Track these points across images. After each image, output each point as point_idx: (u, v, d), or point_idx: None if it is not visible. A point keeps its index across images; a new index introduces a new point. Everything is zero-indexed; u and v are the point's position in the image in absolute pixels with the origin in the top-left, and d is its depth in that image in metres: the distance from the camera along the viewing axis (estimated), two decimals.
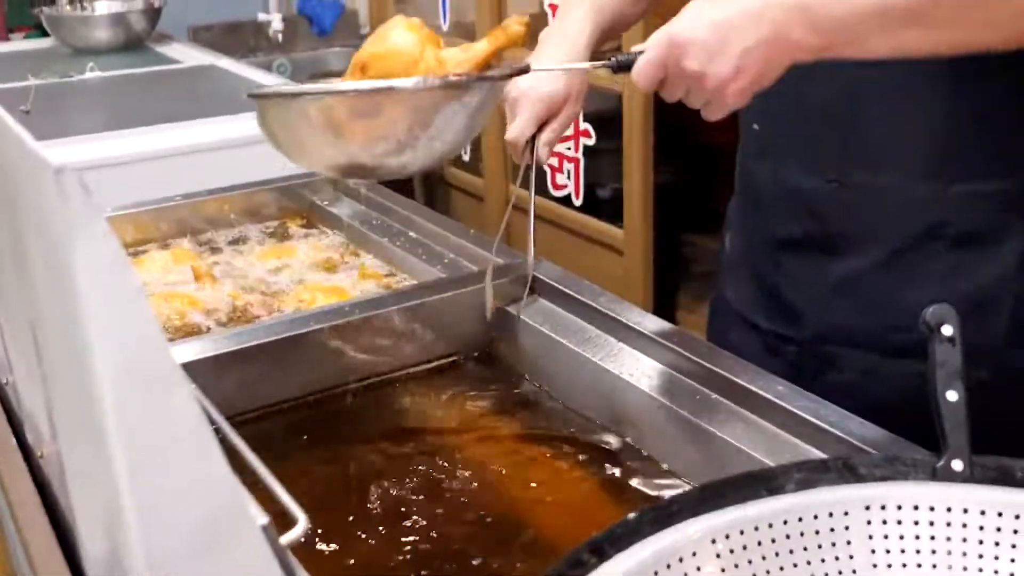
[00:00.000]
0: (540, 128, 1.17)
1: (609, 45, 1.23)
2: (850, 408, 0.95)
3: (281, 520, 0.63)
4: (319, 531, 0.95)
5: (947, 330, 0.73)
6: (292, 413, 1.19)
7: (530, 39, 1.01)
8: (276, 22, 3.69)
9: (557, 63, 1.15)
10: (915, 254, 1.08)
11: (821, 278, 1.14)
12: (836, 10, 0.83)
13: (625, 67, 0.91)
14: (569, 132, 2.98)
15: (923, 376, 1.02)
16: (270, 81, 2.59)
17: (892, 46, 0.85)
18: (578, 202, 3.01)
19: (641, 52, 0.89)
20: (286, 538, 0.59)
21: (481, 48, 0.87)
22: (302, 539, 0.62)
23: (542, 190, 3.13)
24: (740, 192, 1.26)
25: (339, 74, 3.42)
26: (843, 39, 0.84)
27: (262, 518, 0.56)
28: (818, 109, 1.08)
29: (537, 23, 3.42)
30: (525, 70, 0.95)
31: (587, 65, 1.03)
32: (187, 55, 3.02)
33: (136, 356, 0.50)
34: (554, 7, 2.89)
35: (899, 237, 1.08)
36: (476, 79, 0.89)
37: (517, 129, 1.16)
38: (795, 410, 0.96)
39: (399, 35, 0.87)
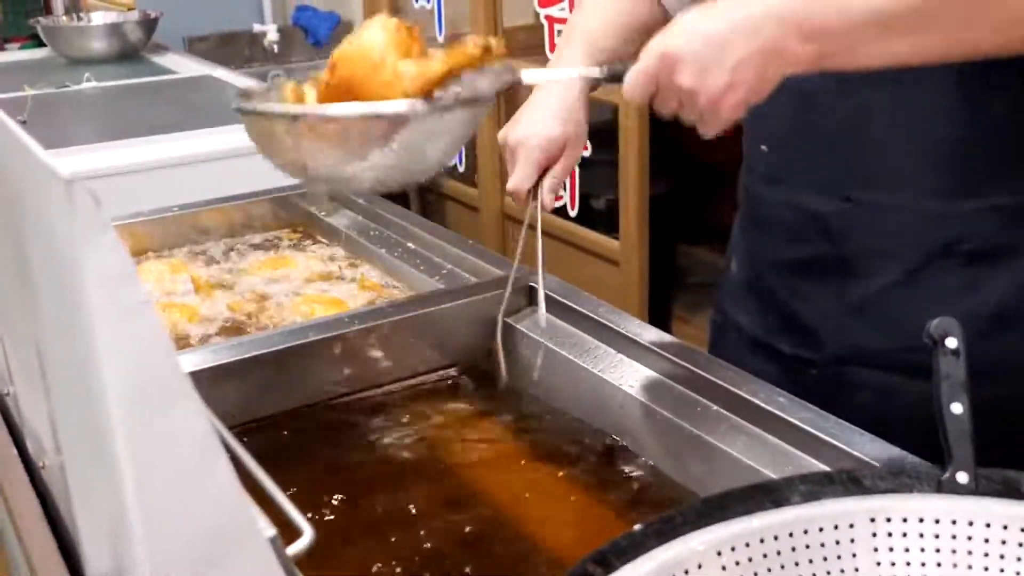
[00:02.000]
0: (542, 175, 1.16)
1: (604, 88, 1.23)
2: (870, 429, 0.93)
3: (284, 530, 0.62)
4: (318, 542, 0.95)
5: (951, 343, 0.73)
6: (291, 425, 1.19)
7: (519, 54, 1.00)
8: (271, 33, 3.69)
9: (552, 111, 1.15)
10: (931, 271, 1.07)
11: (837, 299, 1.13)
12: (830, 20, 0.82)
13: (616, 78, 0.89)
14: None
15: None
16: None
17: (887, 54, 0.85)
18: (573, 213, 3.02)
19: (634, 63, 0.87)
20: (292, 550, 0.59)
21: (435, 66, 0.85)
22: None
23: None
24: (746, 215, 1.25)
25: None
26: (837, 48, 0.83)
27: (269, 530, 0.56)
28: (828, 130, 1.08)
29: (532, 35, 3.41)
30: (516, 82, 0.94)
31: (578, 71, 1.01)
32: (183, 65, 3.02)
33: (144, 367, 0.50)
34: (549, 18, 2.90)
35: (914, 255, 1.07)
36: (458, 103, 0.87)
37: (518, 179, 1.15)
38: (797, 422, 0.95)
39: (369, 35, 0.85)
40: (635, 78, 0.86)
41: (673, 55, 0.83)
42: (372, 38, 0.84)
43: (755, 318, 1.23)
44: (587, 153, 2.93)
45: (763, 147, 1.18)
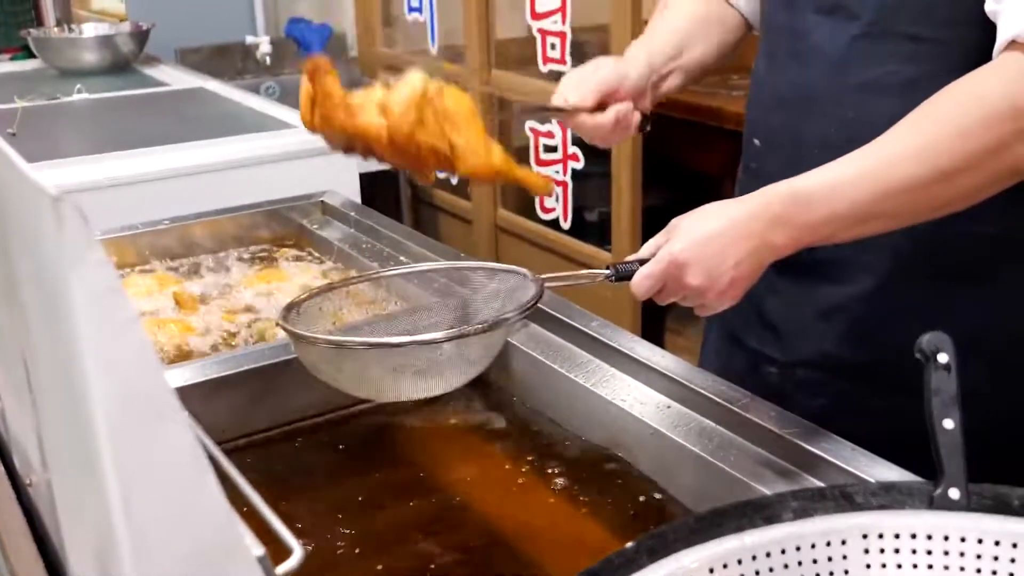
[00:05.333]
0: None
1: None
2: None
3: (273, 548, 0.62)
4: (308, 561, 0.94)
5: (942, 358, 0.73)
6: (283, 440, 1.18)
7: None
8: (264, 45, 3.69)
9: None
10: (900, 287, 1.09)
11: (809, 303, 1.15)
12: (810, 216, 0.92)
13: (625, 276, 0.97)
14: (558, 156, 2.99)
15: (895, 411, 1.04)
16: (259, 104, 2.58)
17: (859, 234, 0.96)
18: (566, 225, 3.02)
19: (639, 261, 0.96)
20: (281, 569, 0.59)
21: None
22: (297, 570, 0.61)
23: (530, 213, 3.13)
24: None
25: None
26: (817, 238, 0.95)
27: (258, 549, 0.55)
28: (823, 136, 1.10)
29: (524, 48, 3.41)
30: (539, 295, 1.02)
31: (588, 272, 1.05)
32: (175, 77, 3.01)
33: (131, 385, 0.49)
34: (542, 31, 2.91)
35: (886, 269, 1.10)
36: (488, 327, 0.97)
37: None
38: (789, 436, 0.95)
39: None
40: (643, 279, 0.95)
41: (682, 261, 0.93)
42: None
43: (730, 309, 1.24)
44: (580, 165, 2.93)
45: (756, 141, 1.21)
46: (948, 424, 0.72)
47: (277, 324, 1.02)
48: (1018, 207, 1.03)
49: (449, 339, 0.96)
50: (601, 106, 1.17)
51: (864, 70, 1.06)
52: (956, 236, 1.05)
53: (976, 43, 0.98)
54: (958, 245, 1.07)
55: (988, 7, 0.96)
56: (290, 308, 1.04)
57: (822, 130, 1.10)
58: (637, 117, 1.19)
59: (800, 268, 1.12)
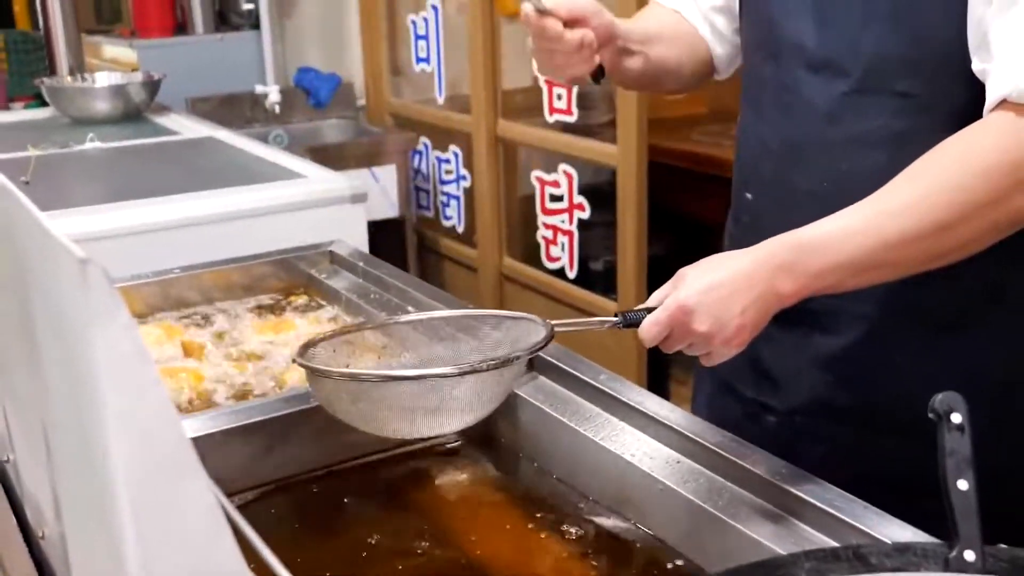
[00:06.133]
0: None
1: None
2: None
3: None
4: None
5: (956, 418, 0.73)
6: (292, 490, 1.18)
7: None
8: (273, 94, 3.72)
9: None
10: (894, 335, 1.11)
11: (804, 351, 1.17)
12: (813, 265, 0.95)
13: (633, 324, 0.99)
14: (564, 205, 3.01)
15: (895, 456, 1.03)
16: (268, 154, 2.60)
17: (862, 283, 0.98)
18: (572, 275, 3.03)
19: (647, 309, 0.97)
20: None
21: None
22: None
23: (536, 262, 3.14)
24: None
25: (335, 146, 3.38)
26: (821, 287, 0.96)
27: None
28: (808, 188, 1.12)
29: (530, 98, 3.43)
30: (550, 338, 1.03)
31: (597, 319, 1.07)
32: (185, 126, 3.04)
33: (151, 444, 0.50)
34: (548, 82, 2.94)
35: (878, 317, 1.11)
36: (500, 363, 0.99)
37: None
38: (802, 494, 0.95)
39: None
40: (651, 326, 0.96)
41: (689, 307, 0.94)
42: None
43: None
44: (585, 215, 2.95)
45: (748, 195, 1.22)
46: (963, 485, 0.71)
47: (294, 361, 1.04)
48: (1008, 254, 1.03)
49: (462, 373, 0.98)
50: (569, 25, 1.14)
51: (854, 124, 1.09)
52: (946, 285, 1.06)
53: (964, 99, 1.01)
54: (948, 293, 1.08)
55: (976, 66, 0.99)
56: (306, 347, 1.06)
57: (813, 180, 1.12)
58: (597, 60, 1.18)
59: (794, 318, 1.13)
